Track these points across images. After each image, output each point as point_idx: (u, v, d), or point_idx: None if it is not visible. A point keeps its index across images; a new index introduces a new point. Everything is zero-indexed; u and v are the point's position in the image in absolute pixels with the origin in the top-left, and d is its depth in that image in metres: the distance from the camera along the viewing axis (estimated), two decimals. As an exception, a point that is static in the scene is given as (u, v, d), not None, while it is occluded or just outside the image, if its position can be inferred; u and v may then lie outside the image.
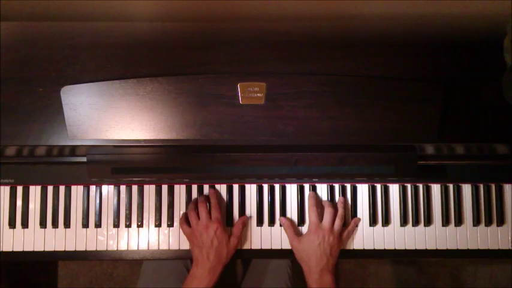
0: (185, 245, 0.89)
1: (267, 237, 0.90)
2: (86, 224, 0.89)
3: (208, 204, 0.88)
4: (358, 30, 0.81)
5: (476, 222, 0.90)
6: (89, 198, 0.90)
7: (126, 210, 0.89)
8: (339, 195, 0.90)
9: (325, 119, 0.77)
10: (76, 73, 0.78)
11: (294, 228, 0.88)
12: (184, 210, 0.90)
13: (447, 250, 0.89)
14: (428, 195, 0.91)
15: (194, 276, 0.81)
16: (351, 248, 0.89)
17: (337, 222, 0.85)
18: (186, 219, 0.87)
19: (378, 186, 0.91)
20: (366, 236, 0.90)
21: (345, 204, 0.89)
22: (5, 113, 0.78)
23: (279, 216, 0.90)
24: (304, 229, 0.89)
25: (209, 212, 0.86)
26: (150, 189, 0.90)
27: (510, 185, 0.91)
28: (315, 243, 0.82)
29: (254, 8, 0.86)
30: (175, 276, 0.96)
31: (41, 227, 0.89)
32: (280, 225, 0.89)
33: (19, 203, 0.89)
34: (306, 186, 0.91)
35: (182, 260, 0.98)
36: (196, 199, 0.89)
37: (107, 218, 0.90)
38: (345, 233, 0.86)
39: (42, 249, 0.89)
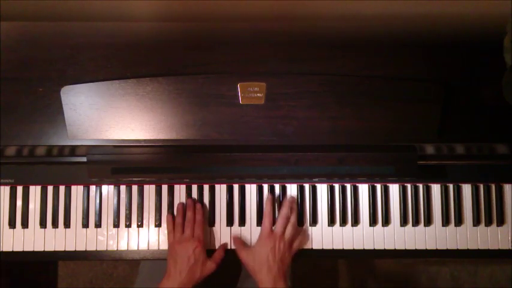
0: (185, 245, 0.89)
1: (267, 237, 0.89)
2: (86, 224, 0.89)
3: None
4: (358, 30, 0.81)
5: (476, 222, 0.90)
6: (89, 198, 0.90)
7: (126, 210, 0.89)
8: (339, 195, 0.90)
9: (325, 119, 0.77)
10: (76, 73, 0.78)
11: (242, 240, 0.88)
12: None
13: (447, 250, 0.89)
14: (428, 195, 0.91)
15: None
16: (351, 248, 0.89)
17: (289, 230, 0.84)
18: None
19: (378, 186, 0.91)
20: (366, 236, 0.90)
21: (296, 209, 0.88)
22: (5, 113, 0.78)
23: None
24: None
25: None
26: (150, 189, 0.90)
27: (510, 185, 0.91)
28: (266, 250, 0.81)
29: (254, 8, 0.86)
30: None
31: (41, 227, 0.89)
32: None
33: (19, 203, 0.89)
34: (306, 186, 0.91)
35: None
36: (184, 208, 0.88)
37: (107, 218, 0.90)
38: (296, 242, 0.85)
39: (42, 249, 0.89)
